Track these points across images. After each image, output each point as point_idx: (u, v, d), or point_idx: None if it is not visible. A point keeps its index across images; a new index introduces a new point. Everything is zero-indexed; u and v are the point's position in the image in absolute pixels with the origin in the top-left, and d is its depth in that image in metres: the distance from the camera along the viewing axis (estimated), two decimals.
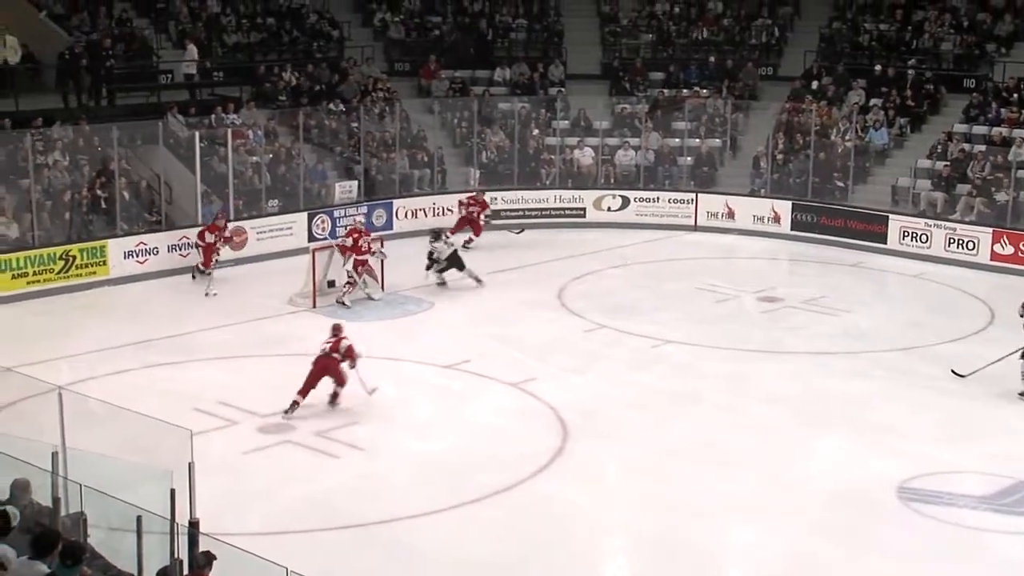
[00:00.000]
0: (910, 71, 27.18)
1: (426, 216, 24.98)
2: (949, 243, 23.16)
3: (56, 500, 9.05)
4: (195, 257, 21.06)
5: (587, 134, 27.38)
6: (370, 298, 19.72)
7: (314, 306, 19.37)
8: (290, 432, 14.15)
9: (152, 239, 21.31)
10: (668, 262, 23.29)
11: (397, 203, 24.86)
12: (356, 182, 24.75)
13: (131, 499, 8.44)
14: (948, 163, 24.66)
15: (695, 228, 25.66)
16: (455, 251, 20.87)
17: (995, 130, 24.82)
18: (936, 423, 14.90)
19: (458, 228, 23.17)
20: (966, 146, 24.81)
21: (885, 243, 23.83)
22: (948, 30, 27.88)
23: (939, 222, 23.48)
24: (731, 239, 25.05)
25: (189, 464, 9.29)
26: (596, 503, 12.64)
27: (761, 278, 22.09)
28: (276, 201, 23.61)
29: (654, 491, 12.88)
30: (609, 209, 25.99)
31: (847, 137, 25.80)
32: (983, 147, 24.59)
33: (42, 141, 21.26)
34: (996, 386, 15.63)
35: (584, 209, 25.97)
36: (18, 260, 19.67)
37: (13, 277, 19.53)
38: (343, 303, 19.39)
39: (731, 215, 25.62)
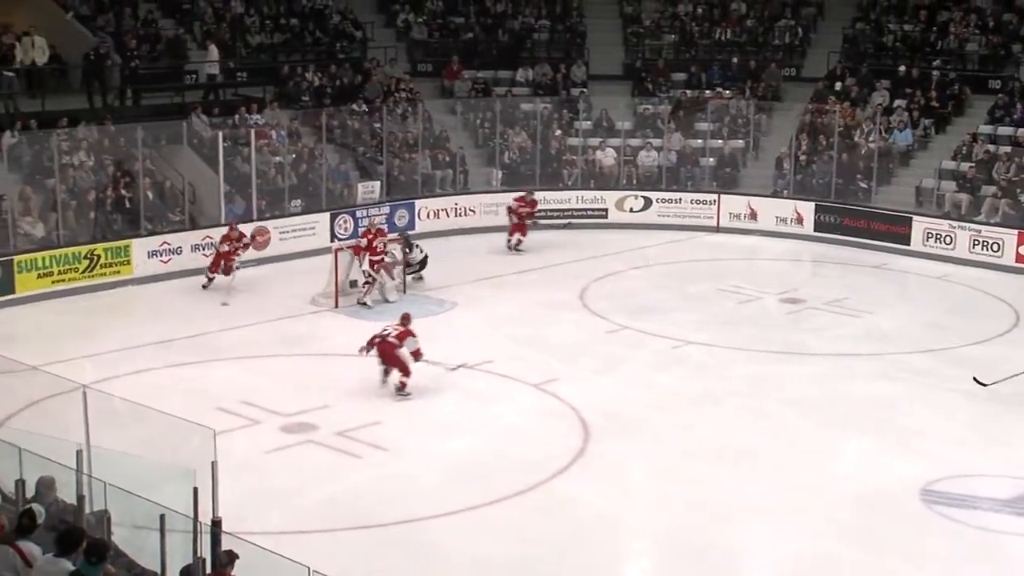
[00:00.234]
0: (935, 72, 27.04)
1: (448, 216, 25.05)
2: (973, 245, 23.02)
3: (81, 498, 9.11)
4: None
5: (609, 135, 27.35)
6: (386, 300, 19.73)
7: (336, 306, 19.43)
8: (312, 432, 14.19)
9: (176, 239, 21.42)
10: (690, 263, 23.24)
11: (419, 203, 24.90)
12: (378, 182, 24.81)
13: (154, 498, 8.49)
14: (973, 164, 24.53)
15: (717, 229, 25.60)
16: (425, 256, 21.05)
17: (1020, 131, 24.70)
18: (960, 426, 14.81)
19: (515, 230, 23.17)
20: (991, 147, 24.67)
21: (909, 244, 23.71)
22: (973, 31, 27.72)
23: (963, 224, 23.35)
24: (754, 240, 24.98)
25: (212, 463, 9.33)
26: (618, 504, 12.63)
27: (784, 279, 22.02)
28: (299, 201, 23.68)
29: (676, 492, 12.86)
30: (631, 210, 25.96)
31: (871, 138, 25.68)
32: (1008, 148, 24.46)
33: (68, 141, 21.41)
34: (1021, 389, 15.51)
35: (606, 210, 25.95)
36: (43, 259, 19.80)
37: (39, 276, 19.66)
38: (364, 303, 19.44)
39: (753, 216, 25.55)
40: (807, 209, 25.14)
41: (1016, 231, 22.66)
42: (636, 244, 24.18)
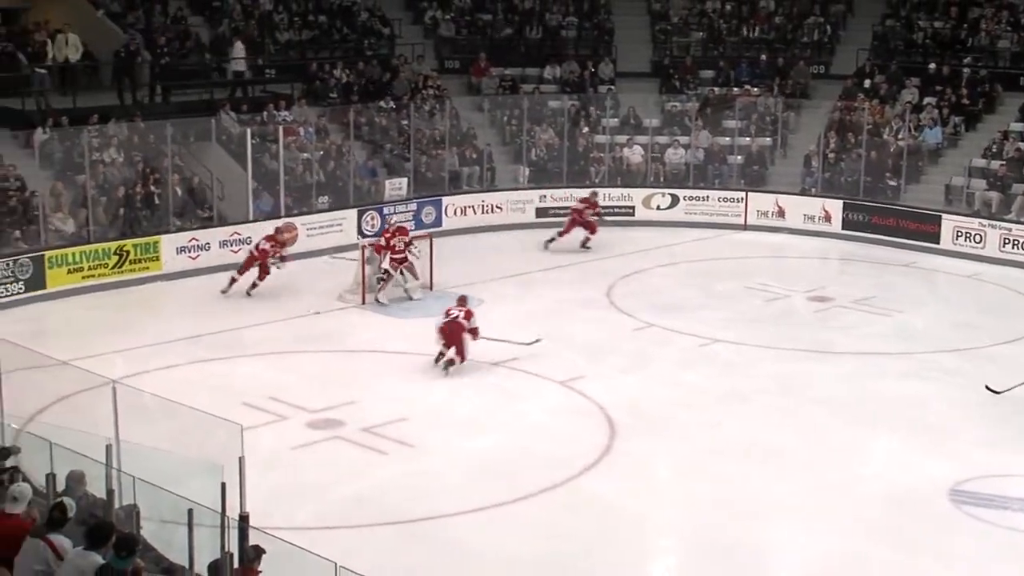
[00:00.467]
0: (965, 69, 26.83)
1: (475, 213, 25.06)
2: (1004, 243, 22.84)
3: (110, 492, 9.17)
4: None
5: (637, 132, 27.29)
6: (410, 297, 19.75)
7: (363, 302, 19.48)
8: (339, 428, 14.23)
9: (204, 235, 21.52)
10: (717, 261, 23.16)
11: (446, 200, 24.93)
12: (405, 179, 24.84)
13: (183, 492, 8.53)
14: (1003, 162, 24.33)
15: (745, 227, 25.50)
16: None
17: None
18: (990, 426, 14.69)
19: (581, 228, 23.12)
20: (1022, 145, 24.46)
21: (938, 243, 23.54)
22: (1005, 27, 27.48)
23: (994, 222, 23.17)
24: (781, 238, 24.87)
25: (239, 459, 9.36)
26: (644, 502, 12.61)
27: (811, 278, 21.92)
28: (326, 198, 23.75)
29: (703, 490, 12.83)
30: (658, 207, 25.89)
31: (900, 136, 25.52)
32: None
33: (98, 138, 21.57)
34: None
35: (633, 207, 25.88)
36: (74, 255, 19.94)
37: (69, 272, 19.81)
38: (379, 301, 19.45)
39: (781, 214, 25.44)
40: (835, 207, 25.00)
41: None
42: (663, 242, 24.12)
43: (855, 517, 12.22)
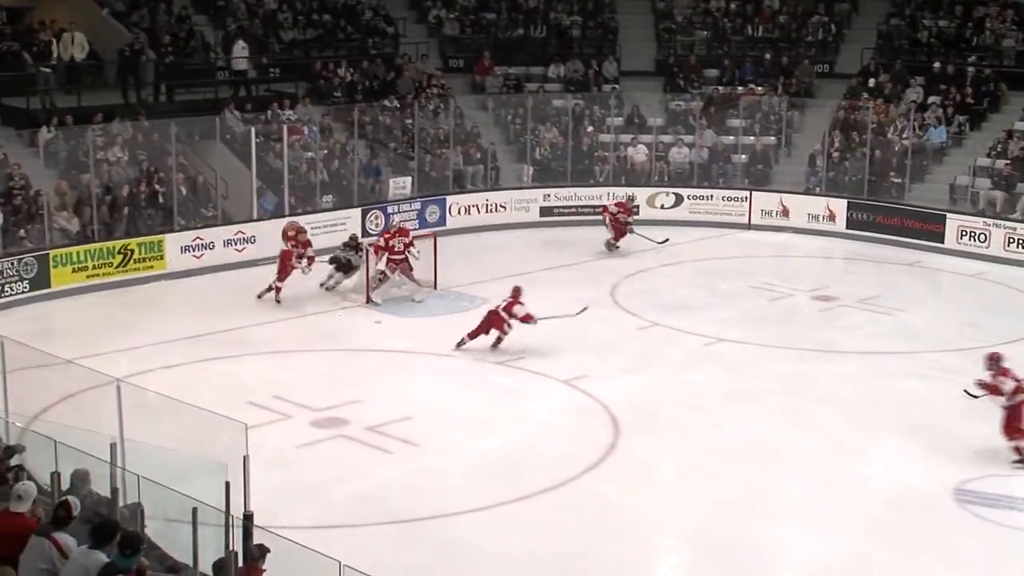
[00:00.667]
0: (970, 68, 26.80)
1: (479, 212, 25.06)
2: (1008, 243, 22.80)
3: (114, 491, 9.19)
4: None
5: (641, 131, 27.28)
6: (412, 300, 19.73)
7: (367, 301, 19.48)
8: (344, 427, 14.24)
9: (208, 234, 21.54)
10: (722, 260, 23.15)
11: (450, 199, 24.93)
12: (409, 178, 24.85)
13: (187, 491, 8.55)
14: (1008, 161, 24.30)
15: (749, 226, 25.49)
16: (349, 261, 20.13)
17: None
18: (994, 425, 14.64)
19: (618, 235, 23.11)
20: None
21: (942, 242, 23.51)
22: (1010, 26, 27.44)
23: (998, 221, 23.14)
24: (785, 237, 24.85)
25: (244, 457, 9.39)
26: (648, 501, 12.61)
27: (816, 277, 21.90)
28: (330, 197, 23.76)
29: (706, 490, 12.82)
30: (663, 207, 25.85)
31: (904, 135, 25.49)
32: None
33: (103, 137, 21.59)
34: None
35: (637, 207, 25.83)
36: (78, 254, 19.96)
37: (73, 271, 19.83)
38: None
39: (786, 213, 25.42)
40: (840, 206, 24.98)
41: None
42: (668, 241, 24.08)
43: (858, 516, 12.21)
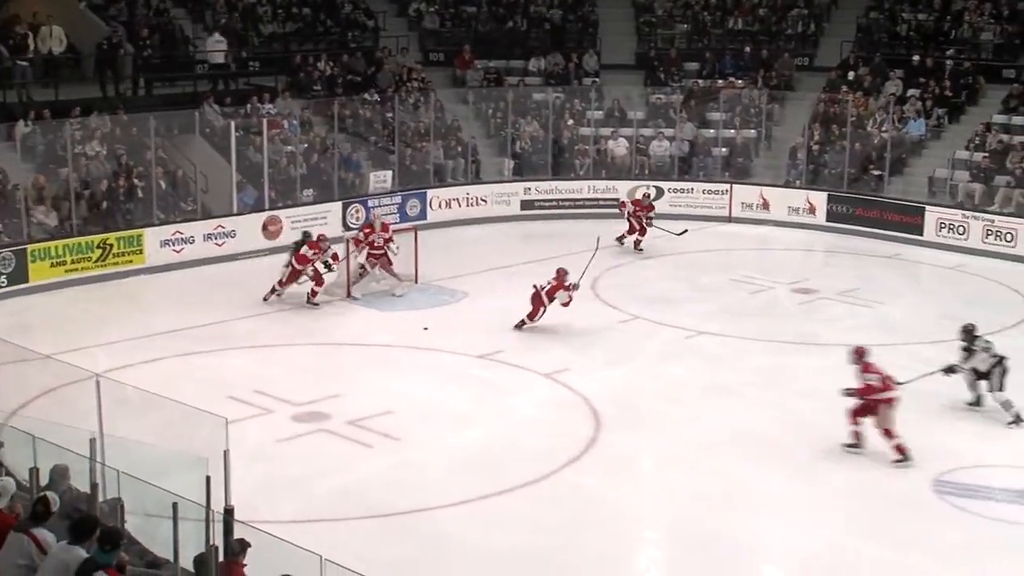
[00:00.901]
0: (949, 61, 26.92)
1: (460, 206, 25.05)
2: (987, 235, 22.94)
3: (94, 486, 9.15)
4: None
5: (621, 124, 27.30)
6: (393, 294, 19.70)
7: (348, 295, 19.45)
8: (325, 421, 14.22)
9: (188, 228, 21.46)
10: (702, 253, 23.20)
11: (431, 193, 24.91)
12: (390, 172, 24.81)
13: (167, 486, 8.51)
14: (986, 154, 24.43)
15: (729, 219, 25.55)
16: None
17: None
18: (972, 417, 14.77)
19: (631, 231, 23.06)
20: (1005, 137, 24.56)
21: (922, 235, 23.64)
22: (988, 20, 27.57)
23: (977, 214, 23.26)
24: (766, 230, 24.93)
25: (224, 452, 9.37)
26: (628, 494, 12.64)
27: (796, 270, 21.99)
28: (311, 190, 23.69)
29: (687, 483, 12.86)
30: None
31: (884, 128, 25.60)
32: (1022, 138, 24.34)
33: (81, 130, 21.46)
34: None
35: (618, 200, 25.87)
36: (57, 248, 19.86)
37: (52, 265, 19.73)
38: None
39: (766, 206, 25.50)
40: (820, 199, 25.06)
41: None
42: (648, 234, 24.07)
43: (838, 509, 12.28)
